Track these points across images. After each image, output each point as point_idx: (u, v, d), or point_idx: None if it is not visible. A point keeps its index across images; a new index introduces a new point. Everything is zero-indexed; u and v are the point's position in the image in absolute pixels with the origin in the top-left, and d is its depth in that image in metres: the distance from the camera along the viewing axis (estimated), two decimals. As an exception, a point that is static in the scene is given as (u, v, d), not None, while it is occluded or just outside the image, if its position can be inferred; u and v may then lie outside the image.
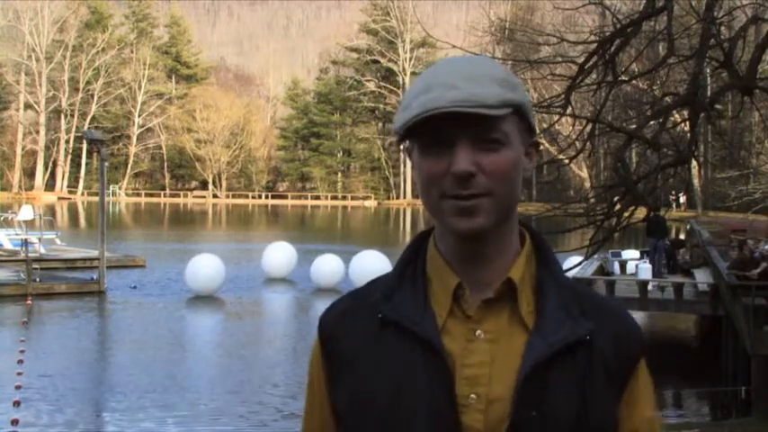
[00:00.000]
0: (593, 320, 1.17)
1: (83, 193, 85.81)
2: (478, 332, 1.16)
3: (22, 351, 14.04)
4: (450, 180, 1.13)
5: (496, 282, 1.17)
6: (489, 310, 1.17)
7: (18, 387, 11.76)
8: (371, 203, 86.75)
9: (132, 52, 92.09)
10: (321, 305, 20.27)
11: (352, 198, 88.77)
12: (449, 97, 1.10)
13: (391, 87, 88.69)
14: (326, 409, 1.24)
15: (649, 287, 16.77)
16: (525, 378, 1.12)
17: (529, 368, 1.12)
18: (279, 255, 24.47)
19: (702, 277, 18.11)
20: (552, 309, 1.16)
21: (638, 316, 19.02)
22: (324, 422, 1.25)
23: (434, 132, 1.13)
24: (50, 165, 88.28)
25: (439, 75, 1.14)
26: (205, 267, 21.26)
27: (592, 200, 12.26)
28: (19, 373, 12.50)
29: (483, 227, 1.14)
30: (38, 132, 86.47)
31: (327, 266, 22.25)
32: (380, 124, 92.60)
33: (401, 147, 1.24)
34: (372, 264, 19.99)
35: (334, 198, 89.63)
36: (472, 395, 1.13)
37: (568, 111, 10.34)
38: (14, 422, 10.23)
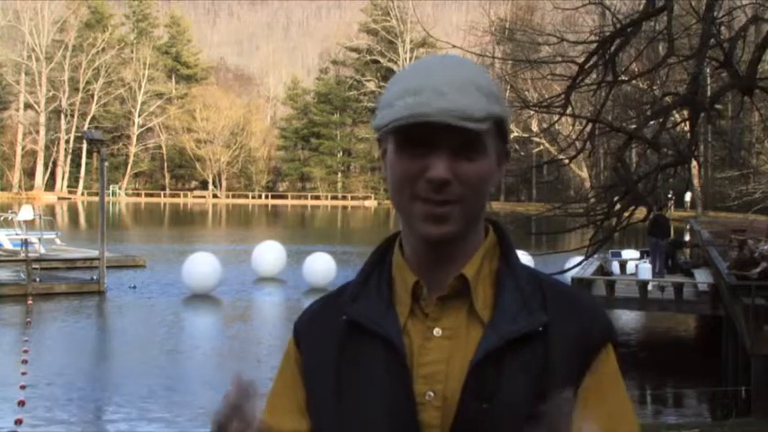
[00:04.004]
0: (553, 311, 1.16)
1: (83, 193, 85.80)
2: (436, 330, 1.17)
3: (25, 351, 14.06)
4: (423, 184, 1.13)
5: (451, 279, 1.19)
6: (446, 308, 1.18)
7: (23, 387, 11.79)
8: (371, 203, 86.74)
9: (132, 52, 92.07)
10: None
11: (352, 198, 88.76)
12: (438, 105, 1.10)
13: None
14: (299, 404, 1.25)
15: (649, 287, 16.77)
16: (472, 370, 1.12)
17: (476, 360, 1.12)
18: (269, 254, 24.50)
19: (702, 277, 18.11)
20: (508, 302, 1.16)
21: (638, 316, 19.06)
22: (293, 413, 1.25)
23: (414, 134, 1.13)
24: (50, 165, 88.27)
25: (426, 76, 1.14)
26: (202, 266, 21.30)
27: (592, 200, 12.25)
28: (23, 373, 12.52)
29: (451, 234, 1.15)
30: (38, 132, 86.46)
31: (319, 266, 22.22)
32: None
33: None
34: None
35: (335, 198, 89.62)
36: (429, 392, 1.14)
37: (568, 111, 10.34)
38: (18, 422, 10.26)
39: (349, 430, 1.17)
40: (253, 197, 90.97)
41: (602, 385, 1.15)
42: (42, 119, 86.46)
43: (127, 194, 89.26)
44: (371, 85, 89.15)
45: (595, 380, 1.15)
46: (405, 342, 1.17)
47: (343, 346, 1.20)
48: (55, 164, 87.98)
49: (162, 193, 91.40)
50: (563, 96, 9.90)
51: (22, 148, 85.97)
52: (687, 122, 10.52)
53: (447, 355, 1.15)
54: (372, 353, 1.18)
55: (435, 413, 1.13)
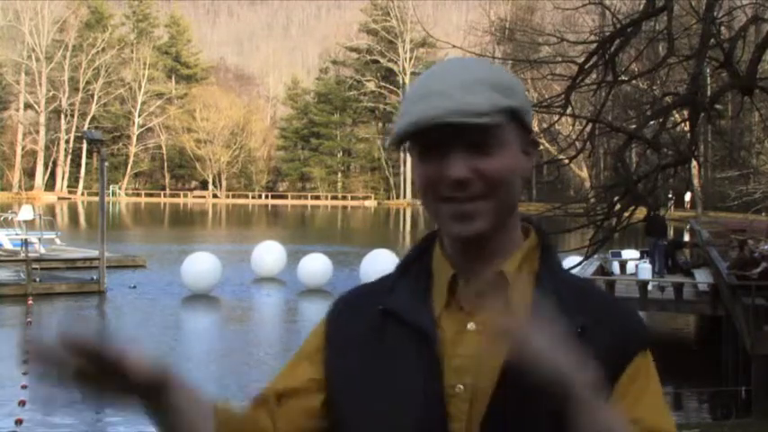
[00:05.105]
0: (592, 316, 1.16)
1: (83, 193, 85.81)
2: (470, 324, 1.18)
3: (27, 351, 14.05)
4: (445, 184, 1.15)
5: (490, 274, 1.20)
6: (482, 303, 1.19)
7: (24, 387, 11.78)
8: (371, 203, 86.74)
9: (132, 52, 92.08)
10: (309, 305, 20.33)
11: (352, 198, 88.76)
12: (442, 107, 1.13)
13: (391, 87, 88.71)
14: (313, 377, 1.26)
15: (649, 287, 16.77)
16: (506, 368, 1.12)
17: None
18: (268, 254, 24.46)
19: (702, 277, 18.12)
20: (546, 303, 1.16)
21: (638, 316, 19.03)
22: (306, 383, 1.26)
23: (430, 139, 1.15)
24: (50, 165, 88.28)
25: (435, 81, 1.16)
26: (201, 265, 21.27)
27: (592, 200, 12.25)
28: (25, 373, 12.50)
29: (480, 231, 1.17)
30: (38, 132, 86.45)
31: (314, 266, 22.19)
32: (380, 124, 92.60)
33: (401, 148, 1.26)
34: (384, 263, 19.82)
35: (335, 198, 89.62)
36: (459, 385, 1.15)
37: (568, 111, 10.34)
38: (19, 422, 10.26)
39: (376, 417, 1.18)
40: (253, 197, 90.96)
41: (636, 388, 1.16)
42: (42, 119, 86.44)
43: (127, 194, 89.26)
44: (371, 85, 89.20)
45: (629, 384, 1.16)
46: (438, 333, 1.18)
47: (376, 335, 1.22)
48: (55, 164, 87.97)
49: (162, 193, 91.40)
50: (563, 96, 9.89)
51: (22, 148, 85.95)
52: (687, 122, 10.53)
53: (479, 349, 1.16)
54: (405, 343, 1.19)
55: (463, 406, 1.14)
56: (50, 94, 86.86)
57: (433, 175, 1.16)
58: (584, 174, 67.79)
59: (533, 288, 1.20)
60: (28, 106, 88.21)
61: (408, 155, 1.25)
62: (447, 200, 1.16)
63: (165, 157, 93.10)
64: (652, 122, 11.11)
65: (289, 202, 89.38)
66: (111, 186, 79.95)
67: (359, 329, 1.24)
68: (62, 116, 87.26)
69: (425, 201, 1.19)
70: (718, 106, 11.74)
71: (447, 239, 1.23)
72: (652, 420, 1.15)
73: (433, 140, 1.15)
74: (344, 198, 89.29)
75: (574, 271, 14.61)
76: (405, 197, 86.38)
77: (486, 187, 1.15)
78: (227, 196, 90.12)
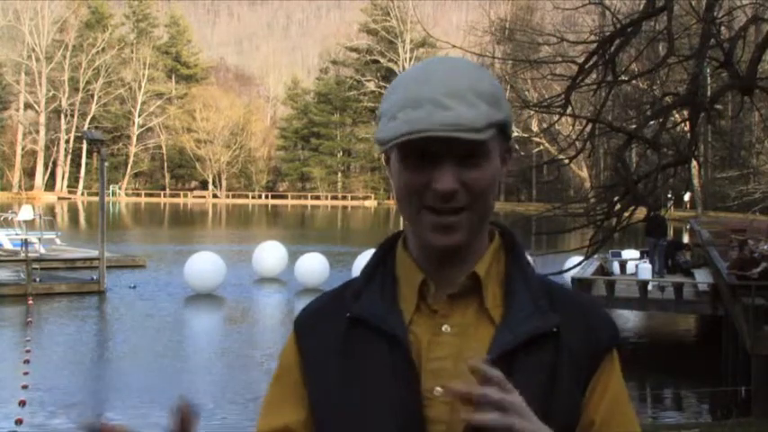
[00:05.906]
0: (563, 314, 1.18)
1: (83, 193, 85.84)
2: (445, 326, 1.18)
3: (27, 351, 14.06)
4: (430, 195, 1.14)
5: (461, 277, 1.20)
6: (455, 305, 1.19)
7: (24, 387, 11.79)
8: (371, 203, 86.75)
9: (132, 52, 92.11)
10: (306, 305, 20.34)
11: (352, 198, 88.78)
12: (438, 119, 1.11)
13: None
14: (301, 401, 1.24)
15: (649, 287, 16.77)
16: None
17: (491, 358, 1.13)
18: (269, 254, 24.45)
19: (702, 277, 18.11)
20: (520, 302, 1.18)
21: (638, 316, 19.05)
22: (295, 413, 1.24)
23: (418, 147, 1.14)
24: (50, 165, 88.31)
25: (425, 86, 1.14)
26: (205, 264, 21.26)
27: (592, 200, 12.25)
28: (25, 373, 12.52)
29: (460, 243, 1.17)
30: (38, 132, 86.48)
31: (311, 266, 22.21)
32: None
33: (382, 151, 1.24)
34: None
35: (335, 198, 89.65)
36: (437, 388, 1.15)
37: (568, 111, 10.35)
38: (19, 422, 10.26)
39: (354, 426, 1.17)
40: (253, 197, 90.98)
41: (609, 387, 1.19)
42: (42, 119, 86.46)
43: (127, 194, 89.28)
44: (371, 85, 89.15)
45: (603, 382, 1.19)
46: (411, 338, 1.18)
47: (346, 343, 1.21)
48: (55, 164, 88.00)
49: (162, 193, 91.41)
50: (563, 96, 9.90)
51: (22, 148, 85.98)
52: (687, 122, 10.53)
53: (456, 351, 1.16)
54: (377, 349, 1.18)
55: (443, 408, 1.14)
56: (50, 94, 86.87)
57: (420, 184, 1.15)
58: (585, 174, 67.81)
59: (502, 288, 1.21)
60: (28, 106, 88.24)
61: (384, 159, 1.23)
62: (431, 210, 1.15)
63: (165, 157, 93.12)
64: (652, 122, 11.11)
65: (289, 202, 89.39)
66: (111, 186, 80.00)
67: (328, 340, 1.23)
68: (62, 116, 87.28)
69: (405, 207, 1.18)
70: (718, 106, 11.75)
71: (417, 244, 1.22)
72: (617, 422, 1.18)
73: (420, 148, 1.13)
74: (344, 198, 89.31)
75: (574, 271, 14.67)
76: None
77: (471, 199, 1.15)
78: (227, 196, 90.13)
